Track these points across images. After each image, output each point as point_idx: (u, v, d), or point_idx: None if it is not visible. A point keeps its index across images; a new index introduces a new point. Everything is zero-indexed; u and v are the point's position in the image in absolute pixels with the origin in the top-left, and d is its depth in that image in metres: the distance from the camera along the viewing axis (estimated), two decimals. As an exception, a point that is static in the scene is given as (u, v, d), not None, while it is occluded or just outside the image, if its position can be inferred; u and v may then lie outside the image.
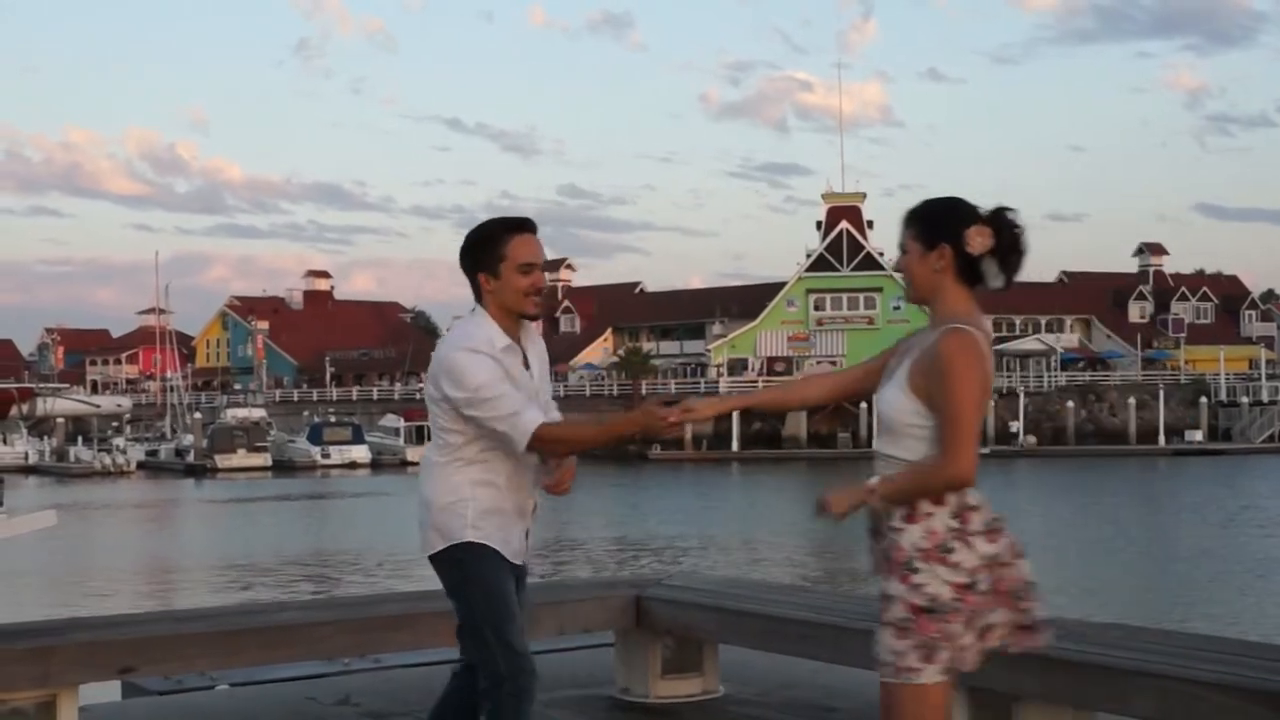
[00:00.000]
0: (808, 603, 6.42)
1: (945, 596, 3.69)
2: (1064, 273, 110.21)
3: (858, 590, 26.41)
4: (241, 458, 78.06)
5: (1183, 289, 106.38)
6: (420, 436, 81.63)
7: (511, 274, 4.47)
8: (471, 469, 4.50)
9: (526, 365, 4.56)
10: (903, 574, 3.72)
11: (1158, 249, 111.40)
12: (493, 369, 4.40)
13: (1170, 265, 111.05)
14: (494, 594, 4.49)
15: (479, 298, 4.54)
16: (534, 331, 4.67)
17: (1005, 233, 3.84)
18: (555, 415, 4.57)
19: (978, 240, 3.80)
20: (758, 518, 44.15)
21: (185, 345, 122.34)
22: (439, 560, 4.55)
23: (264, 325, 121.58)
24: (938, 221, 3.85)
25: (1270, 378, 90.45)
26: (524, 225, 4.52)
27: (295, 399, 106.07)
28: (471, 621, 4.52)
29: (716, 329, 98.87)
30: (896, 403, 3.81)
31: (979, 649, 3.77)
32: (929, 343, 3.82)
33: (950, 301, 3.83)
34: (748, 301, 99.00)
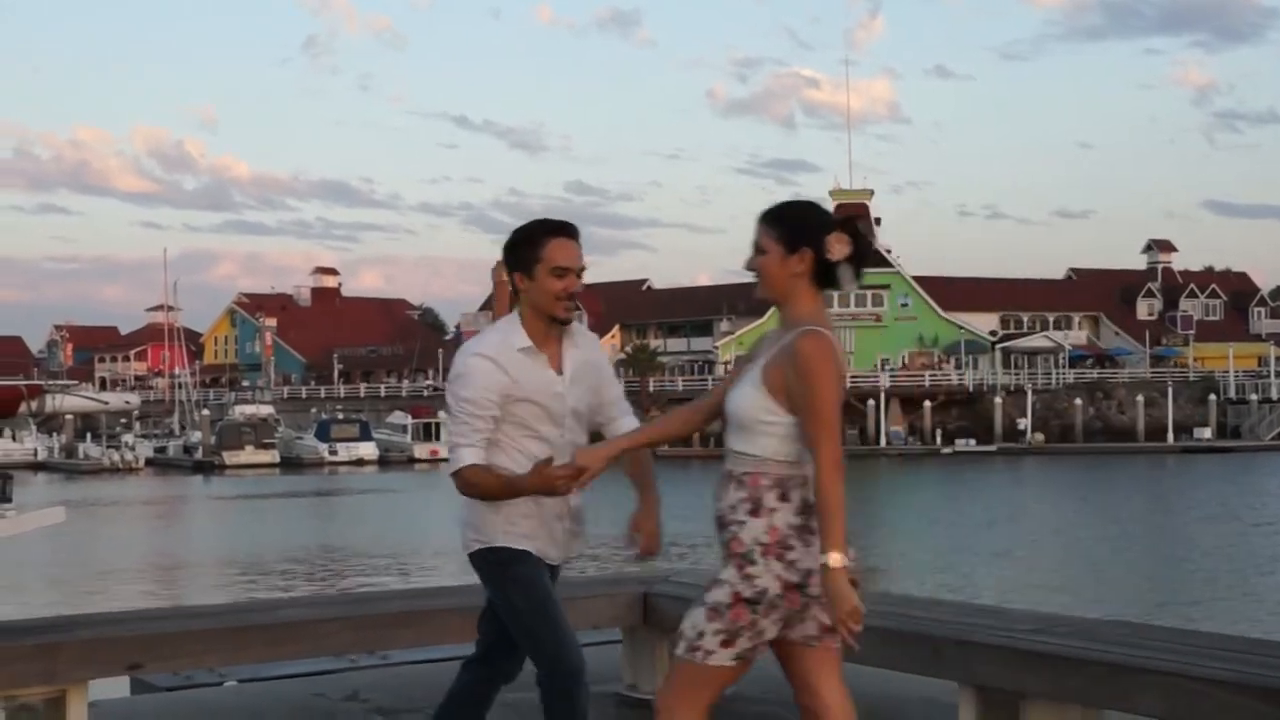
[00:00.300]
0: (815, 600, 6.41)
1: (772, 592, 3.84)
2: (1072, 269, 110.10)
3: (865, 588, 26.34)
4: (249, 454, 78.16)
5: (1191, 286, 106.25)
6: (428, 433, 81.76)
7: (545, 276, 4.46)
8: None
9: (560, 369, 4.55)
10: (739, 563, 3.87)
11: (1166, 246, 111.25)
12: (487, 384, 4.41)
13: (1179, 262, 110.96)
14: (531, 595, 4.50)
15: (517, 298, 4.56)
16: (581, 335, 4.66)
17: (860, 241, 3.96)
18: (625, 416, 4.75)
19: (838, 247, 3.91)
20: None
21: (193, 342, 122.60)
22: (475, 559, 4.57)
23: (272, 322, 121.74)
24: (801, 226, 3.95)
25: None
26: (563, 229, 4.51)
27: (303, 396, 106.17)
28: (516, 624, 4.53)
29: (724, 326, 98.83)
30: (750, 400, 3.92)
31: (772, 641, 3.97)
32: (785, 343, 3.91)
33: (804, 303, 3.95)
34: (755, 299, 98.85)
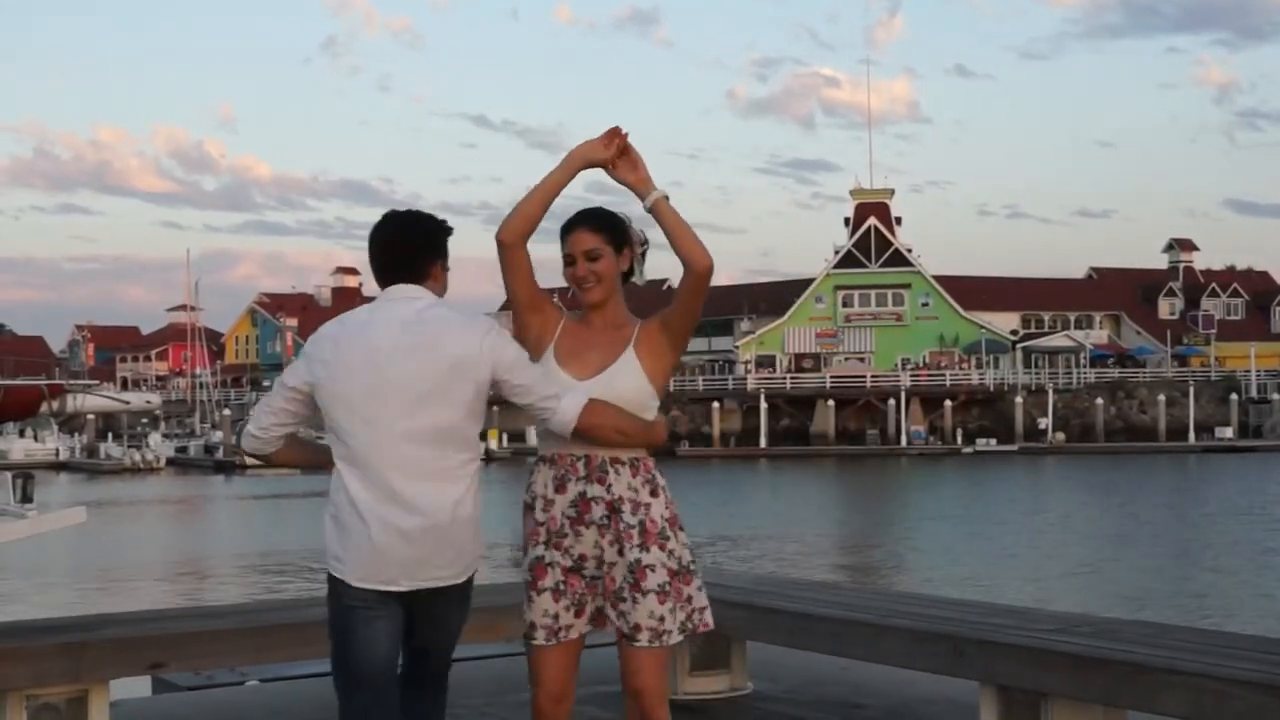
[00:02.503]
0: (837, 600, 6.41)
1: (686, 560, 4.11)
2: (1093, 269, 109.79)
3: (888, 588, 26.44)
4: (270, 454, 78.23)
5: (1213, 285, 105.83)
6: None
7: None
8: None
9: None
10: (659, 542, 4.06)
11: (1188, 245, 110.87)
12: None
13: (1200, 261, 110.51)
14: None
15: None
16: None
17: (642, 237, 4.33)
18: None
19: (639, 246, 4.31)
20: (786, 515, 44.14)
21: (214, 342, 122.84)
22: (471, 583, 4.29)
23: (293, 322, 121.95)
24: (619, 228, 4.25)
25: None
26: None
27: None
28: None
29: (744, 326, 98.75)
30: (639, 386, 4.12)
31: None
32: (647, 331, 4.19)
33: (620, 298, 4.27)
34: (776, 298, 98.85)
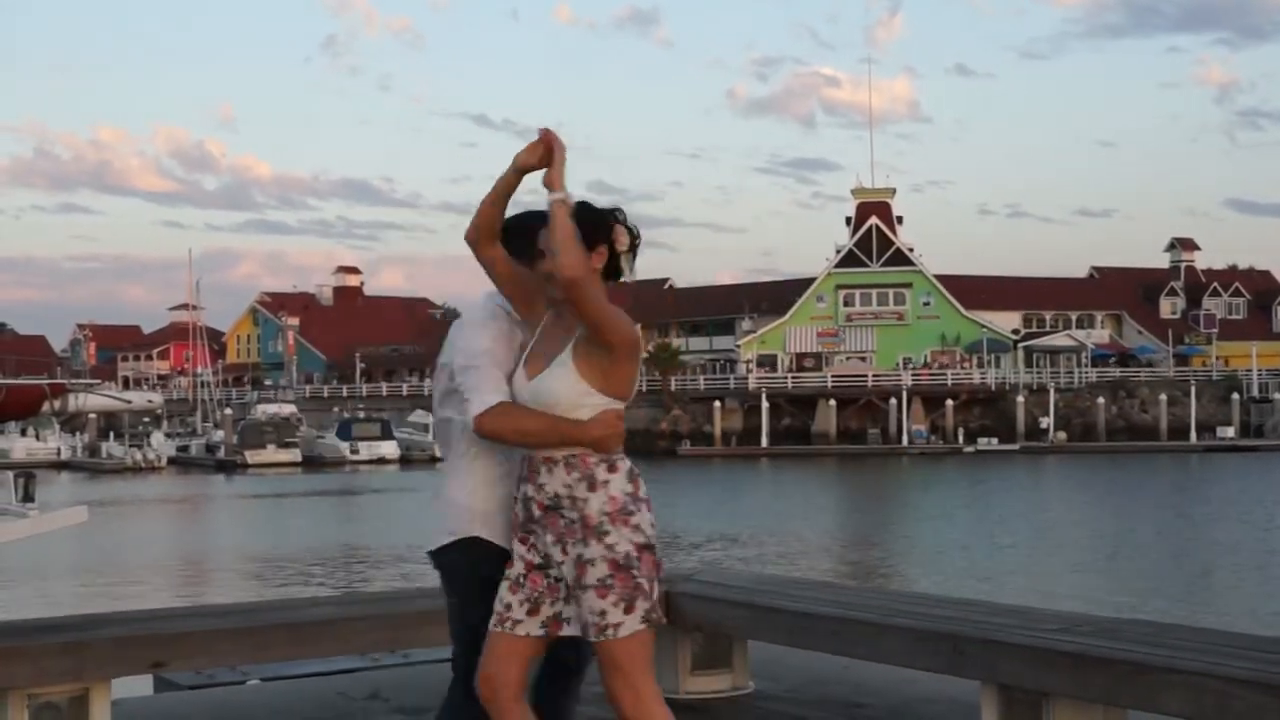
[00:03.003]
0: (838, 599, 6.41)
1: (633, 554, 4.07)
2: (1094, 268, 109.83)
3: (889, 587, 26.44)
4: (271, 453, 78.38)
5: (1214, 284, 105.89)
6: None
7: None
8: None
9: None
10: (598, 536, 4.06)
11: (1189, 244, 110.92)
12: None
13: (1202, 261, 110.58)
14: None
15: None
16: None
17: (634, 231, 4.26)
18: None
19: (622, 239, 4.21)
20: (787, 513, 44.11)
21: (216, 341, 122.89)
22: None
23: (294, 321, 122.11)
24: (598, 223, 4.18)
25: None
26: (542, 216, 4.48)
27: (325, 395, 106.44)
28: None
29: (746, 325, 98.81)
30: (572, 387, 4.08)
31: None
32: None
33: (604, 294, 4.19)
34: (777, 297, 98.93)
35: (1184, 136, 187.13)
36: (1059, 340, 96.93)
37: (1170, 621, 5.88)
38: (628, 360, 4.12)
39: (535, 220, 4.31)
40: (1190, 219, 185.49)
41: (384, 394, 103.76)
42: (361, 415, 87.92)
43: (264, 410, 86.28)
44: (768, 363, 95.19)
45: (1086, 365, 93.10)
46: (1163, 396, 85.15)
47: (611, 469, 4.11)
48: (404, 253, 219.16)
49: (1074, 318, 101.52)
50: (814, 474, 65.34)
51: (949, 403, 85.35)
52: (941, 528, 39.16)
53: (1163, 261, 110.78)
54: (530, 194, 4.25)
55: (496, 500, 4.27)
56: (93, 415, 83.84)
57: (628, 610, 4.05)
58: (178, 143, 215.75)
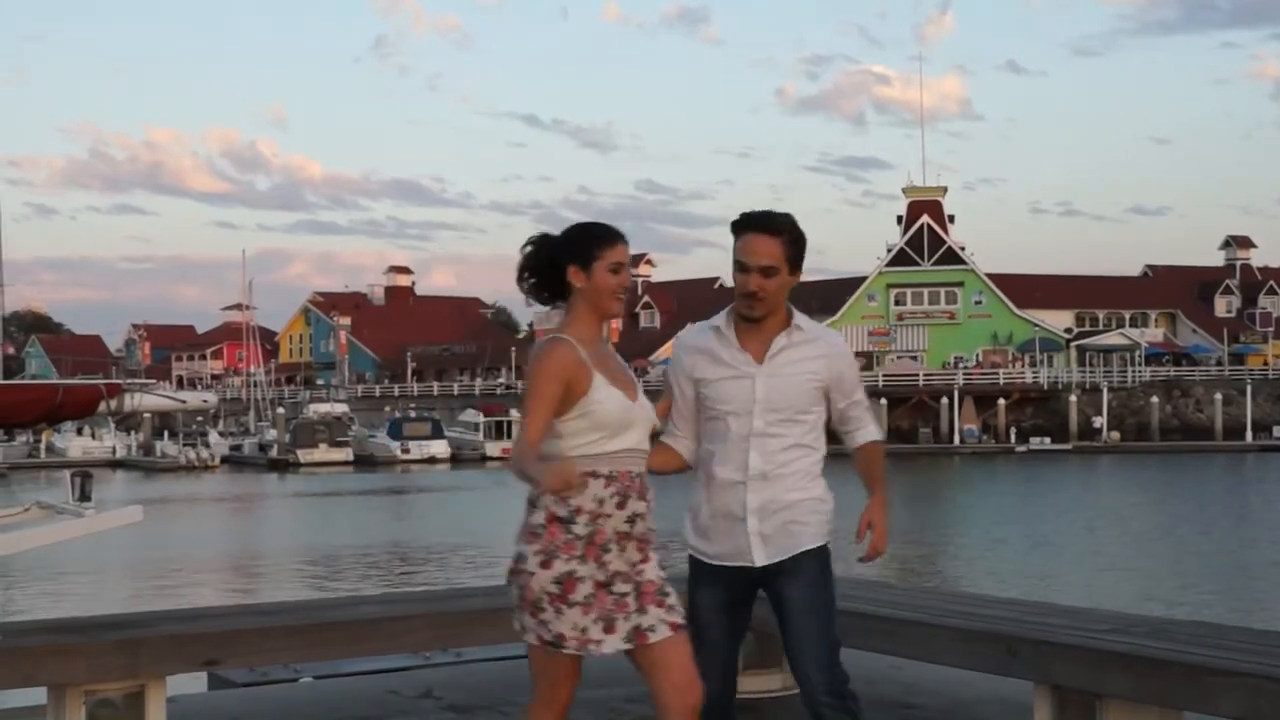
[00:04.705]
0: (889, 599, 6.40)
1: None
2: (1148, 266, 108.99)
3: (940, 587, 26.31)
4: (323, 452, 78.75)
5: (1270, 283, 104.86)
6: (500, 431, 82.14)
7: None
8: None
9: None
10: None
11: (1245, 242, 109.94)
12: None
13: (1258, 258, 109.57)
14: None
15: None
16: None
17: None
18: None
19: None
20: (836, 512, 43.87)
21: (268, 341, 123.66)
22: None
23: (346, 321, 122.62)
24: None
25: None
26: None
27: (376, 394, 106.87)
28: None
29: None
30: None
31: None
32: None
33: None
34: (828, 296, 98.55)
35: (1238, 133, 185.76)
36: (1112, 339, 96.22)
37: (1225, 623, 5.84)
38: None
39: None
40: (1245, 216, 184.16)
41: (435, 393, 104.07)
42: (413, 414, 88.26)
43: (316, 410, 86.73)
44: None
45: (1140, 364, 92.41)
46: (1217, 396, 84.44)
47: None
48: (455, 252, 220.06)
49: (1127, 317, 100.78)
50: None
51: (1001, 402, 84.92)
52: (993, 527, 38.96)
53: (1218, 259, 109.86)
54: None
55: None
56: (148, 415, 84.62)
57: None
58: (230, 143, 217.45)
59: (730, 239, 4.50)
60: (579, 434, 4.10)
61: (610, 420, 4.11)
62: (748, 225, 4.47)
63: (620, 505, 4.11)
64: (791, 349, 4.43)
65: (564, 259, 4.24)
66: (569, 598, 4.06)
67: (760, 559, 4.42)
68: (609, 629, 4.11)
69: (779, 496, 4.42)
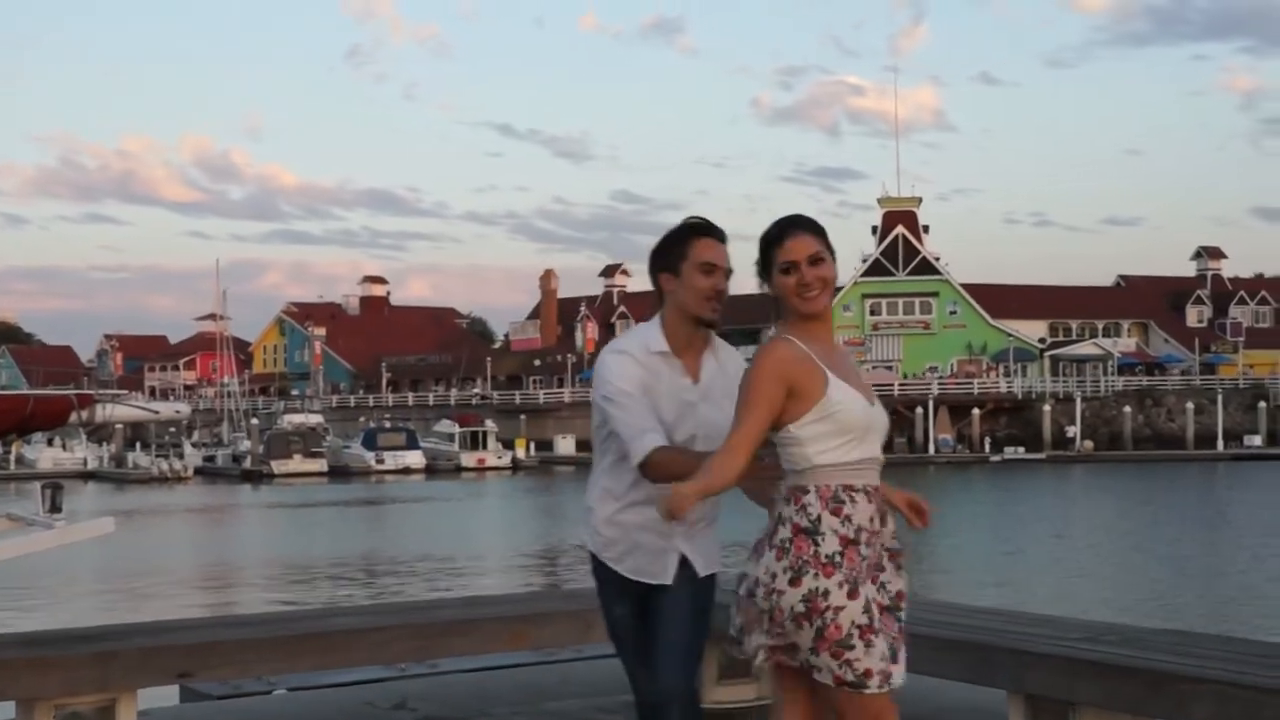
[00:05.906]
0: (863, 608, 6.39)
1: None
2: (1121, 276, 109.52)
3: (915, 595, 26.24)
4: (297, 463, 78.48)
5: (1241, 293, 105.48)
6: (475, 442, 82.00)
7: (692, 273, 4.34)
8: (601, 478, 4.41)
9: (697, 377, 4.39)
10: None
11: (1216, 253, 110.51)
12: (629, 374, 4.25)
13: (1228, 269, 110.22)
14: (606, 615, 4.48)
15: (660, 300, 4.42)
16: (724, 348, 4.55)
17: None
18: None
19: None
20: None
21: (242, 351, 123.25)
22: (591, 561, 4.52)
23: (321, 331, 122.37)
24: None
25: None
26: (710, 229, 4.43)
27: (351, 405, 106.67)
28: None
29: (771, 333, 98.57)
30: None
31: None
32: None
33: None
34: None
35: (1210, 145, 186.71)
36: (1085, 349, 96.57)
37: (1197, 631, 5.86)
38: None
39: (682, 230, 4.38)
40: (1217, 227, 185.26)
41: (410, 404, 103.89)
42: (387, 425, 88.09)
43: (290, 420, 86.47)
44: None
45: (1113, 374, 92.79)
46: (1189, 405, 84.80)
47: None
48: (430, 262, 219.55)
49: (1100, 326, 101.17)
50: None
51: (975, 411, 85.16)
52: (967, 537, 39.02)
53: (1189, 270, 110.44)
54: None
55: None
56: (120, 426, 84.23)
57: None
58: (203, 152, 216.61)
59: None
60: (820, 439, 3.83)
61: (855, 423, 3.87)
62: (707, 231, 4.44)
63: (883, 521, 3.93)
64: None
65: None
66: (875, 626, 3.74)
67: (662, 578, 4.43)
68: (895, 658, 3.81)
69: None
